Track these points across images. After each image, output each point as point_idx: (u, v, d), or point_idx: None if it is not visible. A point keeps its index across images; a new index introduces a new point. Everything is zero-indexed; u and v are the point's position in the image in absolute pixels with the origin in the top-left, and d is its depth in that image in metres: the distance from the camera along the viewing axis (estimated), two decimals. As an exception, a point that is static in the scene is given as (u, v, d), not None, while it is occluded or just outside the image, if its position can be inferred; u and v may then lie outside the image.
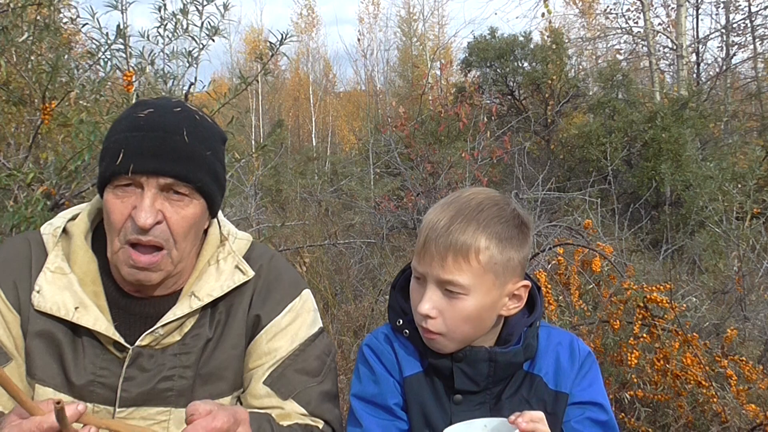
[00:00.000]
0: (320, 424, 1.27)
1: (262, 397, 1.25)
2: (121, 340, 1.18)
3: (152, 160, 1.13)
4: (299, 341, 1.28)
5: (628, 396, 2.93)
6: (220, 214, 1.35)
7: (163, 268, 1.17)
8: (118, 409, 1.18)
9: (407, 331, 1.23)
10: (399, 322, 1.24)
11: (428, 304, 1.14)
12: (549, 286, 3.10)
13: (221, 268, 1.26)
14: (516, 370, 1.22)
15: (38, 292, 1.18)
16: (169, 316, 1.19)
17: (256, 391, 1.25)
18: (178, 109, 1.20)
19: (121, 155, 1.13)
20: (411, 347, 1.24)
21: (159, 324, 1.19)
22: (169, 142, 1.14)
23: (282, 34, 2.38)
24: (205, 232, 1.31)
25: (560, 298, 3.21)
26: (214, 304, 1.25)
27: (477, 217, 1.14)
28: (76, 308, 1.17)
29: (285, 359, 1.26)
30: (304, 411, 1.25)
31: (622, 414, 2.95)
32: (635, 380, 2.95)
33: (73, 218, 1.27)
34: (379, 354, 1.24)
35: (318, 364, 1.29)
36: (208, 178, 1.19)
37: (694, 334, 2.92)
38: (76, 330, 1.19)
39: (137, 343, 1.19)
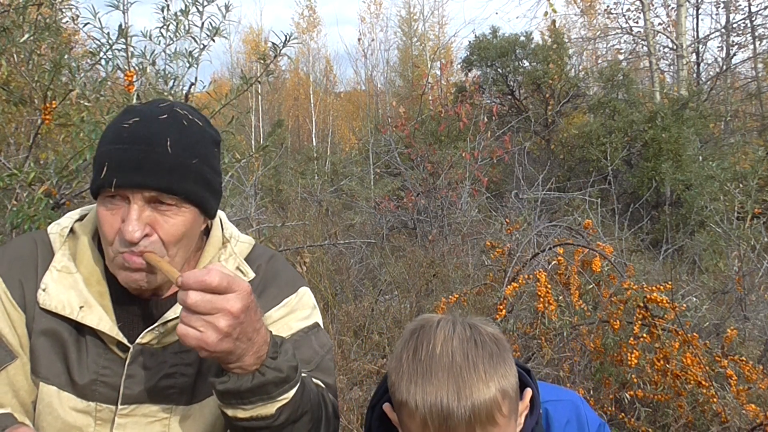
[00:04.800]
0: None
1: None
2: (124, 340, 1.18)
3: (135, 173, 1.12)
4: (291, 332, 1.26)
5: (628, 396, 2.94)
6: (223, 216, 1.35)
7: (156, 272, 1.17)
8: (120, 407, 1.19)
9: None
10: None
11: None
12: (549, 286, 3.11)
13: None
14: None
15: (44, 290, 1.19)
16: (170, 314, 1.20)
17: None
18: (164, 116, 1.17)
19: (105, 169, 1.13)
20: None
21: (160, 322, 1.19)
22: (151, 155, 1.13)
23: (285, 36, 2.38)
24: (208, 233, 1.31)
25: (560, 298, 3.22)
26: None
27: (476, 373, 0.99)
28: (80, 307, 1.17)
29: None
30: None
31: (622, 414, 2.96)
32: (635, 380, 2.96)
33: (81, 219, 1.28)
34: None
35: (311, 354, 1.27)
36: (196, 186, 1.17)
37: (694, 334, 2.93)
38: (81, 329, 1.19)
39: (138, 340, 1.19)
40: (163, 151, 1.13)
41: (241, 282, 1.02)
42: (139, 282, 1.17)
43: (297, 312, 1.30)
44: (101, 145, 1.18)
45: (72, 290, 1.19)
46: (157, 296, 1.25)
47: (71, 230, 1.26)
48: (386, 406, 1.11)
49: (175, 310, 1.20)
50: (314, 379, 1.22)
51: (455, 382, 0.98)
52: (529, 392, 1.10)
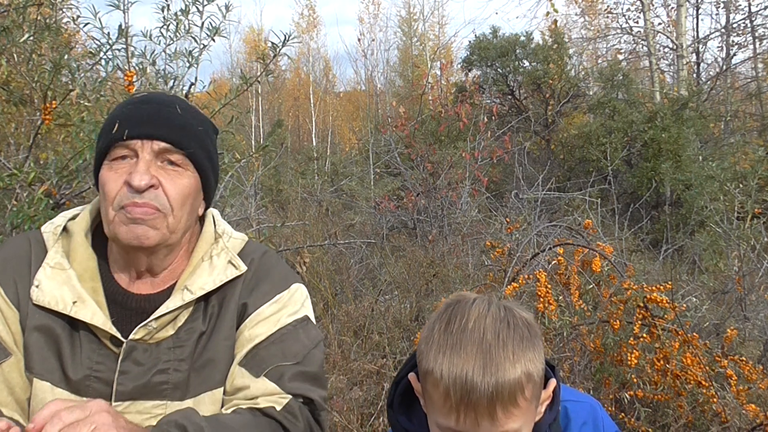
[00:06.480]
0: (285, 400, 1.22)
1: (236, 377, 1.24)
2: (117, 334, 1.19)
3: (146, 125, 1.18)
4: (280, 326, 1.27)
5: (628, 396, 2.93)
6: (217, 214, 1.36)
7: (159, 227, 1.18)
8: (114, 403, 1.18)
9: None
10: None
11: None
12: (549, 286, 3.11)
13: (214, 264, 1.28)
14: None
15: (37, 286, 1.20)
16: (162, 309, 1.20)
17: (232, 374, 1.25)
18: (171, 94, 1.29)
19: (117, 125, 1.19)
20: None
21: (152, 317, 1.20)
22: (162, 112, 1.21)
23: (285, 35, 2.38)
24: (201, 229, 1.32)
25: (560, 298, 3.22)
26: (207, 298, 1.26)
27: (504, 351, 1.00)
28: (74, 302, 1.18)
29: (262, 341, 1.25)
30: (275, 388, 1.22)
31: (622, 414, 2.96)
32: (635, 380, 2.96)
33: (74, 217, 1.29)
34: None
35: (299, 348, 1.27)
36: (201, 150, 1.23)
37: (694, 334, 2.93)
38: (74, 324, 1.20)
39: (131, 336, 1.20)
40: (173, 111, 1.22)
41: (98, 402, 1.01)
42: (141, 236, 1.17)
43: (288, 307, 1.31)
44: (113, 111, 1.26)
45: (65, 286, 1.20)
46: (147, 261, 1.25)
47: (64, 228, 1.27)
48: (411, 375, 1.13)
49: (168, 305, 1.21)
50: (280, 397, 1.21)
51: (482, 358, 1.00)
52: (553, 382, 1.11)
